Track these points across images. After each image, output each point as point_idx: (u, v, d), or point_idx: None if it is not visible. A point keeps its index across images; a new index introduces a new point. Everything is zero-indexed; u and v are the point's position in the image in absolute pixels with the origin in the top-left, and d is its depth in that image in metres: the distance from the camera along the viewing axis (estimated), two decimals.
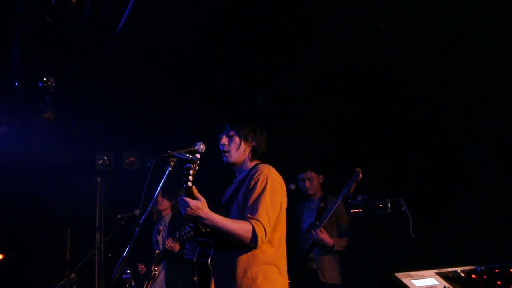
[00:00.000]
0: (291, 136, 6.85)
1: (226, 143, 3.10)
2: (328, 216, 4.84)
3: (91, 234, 7.42)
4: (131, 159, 7.65)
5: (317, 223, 4.92)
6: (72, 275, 5.42)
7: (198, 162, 2.72)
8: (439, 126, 5.67)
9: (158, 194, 5.68)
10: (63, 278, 5.52)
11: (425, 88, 5.43)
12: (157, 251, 5.68)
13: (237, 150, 3.07)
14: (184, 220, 5.34)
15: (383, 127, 6.14)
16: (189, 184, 2.70)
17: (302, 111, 6.63)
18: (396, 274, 2.37)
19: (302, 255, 5.00)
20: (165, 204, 5.83)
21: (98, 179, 7.66)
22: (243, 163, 3.11)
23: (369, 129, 6.27)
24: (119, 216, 5.76)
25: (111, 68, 5.82)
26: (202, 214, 2.74)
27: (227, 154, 3.09)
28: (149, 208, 2.84)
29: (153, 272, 5.57)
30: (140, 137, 7.56)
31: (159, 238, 5.80)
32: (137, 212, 5.76)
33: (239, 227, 2.77)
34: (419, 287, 2.46)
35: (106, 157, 7.53)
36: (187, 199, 2.73)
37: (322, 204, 5.10)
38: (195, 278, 5.98)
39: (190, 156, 2.70)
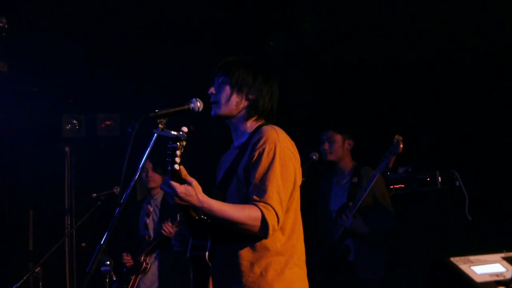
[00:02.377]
0: (313, 92, 6.81)
1: (214, 91, 3.06)
2: (364, 197, 4.83)
3: (59, 218, 7.50)
4: (108, 122, 7.66)
5: (350, 204, 4.92)
6: (37, 269, 5.51)
7: (185, 137, 2.67)
8: (504, 79, 5.61)
9: (145, 167, 5.74)
10: (25, 273, 5.61)
11: (489, 31, 5.36)
12: (146, 237, 5.75)
13: (227, 102, 3.01)
14: None
15: (431, 79, 6.08)
16: (176, 167, 2.63)
17: (329, 59, 6.57)
18: (452, 259, 2.38)
19: (333, 244, 5.03)
20: (157, 180, 5.88)
21: (66, 149, 7.70)
22: (239, 121, 3.06)
23: (414, 81, 6.21)
24: (94, 195, 5.82)
25: (80, 4, 5.77)
26: (195, 202, 2.68)
27: (214, 104, 3.05)
28: (132, 183, 2.84)
29: (144, 264, 5.65)
30: (119, 94, 7.55)
31: (149, 221, 5.86)
32: (116, 189, 5.83)
33: (245, 214, 2.73)
34: (481, 275, 2.46)
35: (76, 120, 7.54)
36: (174, 184, 2.65)
37: (355, 179, 5.10)
38: None
39: (175, 133, 2.64)
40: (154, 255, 5.72)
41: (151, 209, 5.90)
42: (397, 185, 5.62)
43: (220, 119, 3.08)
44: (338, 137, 5.22)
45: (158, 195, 5.92)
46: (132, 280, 5.64)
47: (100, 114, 7.64)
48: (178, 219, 5.28)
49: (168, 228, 5.41)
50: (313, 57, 6.61)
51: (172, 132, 2.64)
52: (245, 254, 2.84)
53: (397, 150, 4.70)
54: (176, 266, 5.64)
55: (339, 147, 5.21)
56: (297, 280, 2.89)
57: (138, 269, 5.66)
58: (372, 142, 5.94)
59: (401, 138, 4.71)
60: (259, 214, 2.72)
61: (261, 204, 2.74)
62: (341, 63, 6.51)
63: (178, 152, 2.63)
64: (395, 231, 5.03)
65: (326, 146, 5.21)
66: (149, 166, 5.83)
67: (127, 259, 5.73)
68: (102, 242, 2.55)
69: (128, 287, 5.64)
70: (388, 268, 5.03)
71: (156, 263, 5.72)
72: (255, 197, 2.77)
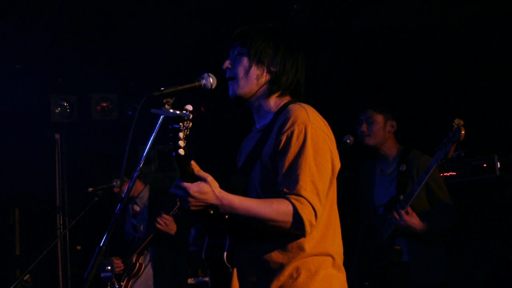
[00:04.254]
0: (347, 64, 6.78)
1: (230, 66, 3.06)
2: (418, 191, 4.80)
3: (49, 217, 7.56)
4: (104, 104, 7.70)
5: (401, 198, 4.89)
6: (26, 277, 5.58)
7: (191, 117, 2.67)
8: None
9: (123, 179, 5.77)
10: (12, 281, 5.68)
11: None
12: (136, 238, 5.83)
13: (247, 76, 3.01)
14: (170, 195, 5.48)
15: (486, 48, 6.04)
16: (181, 152, 2.64)
17: (365, 25, 6.53)
18: None
19: (382, 245, 5.02)
20: (138, 186, 6.07)
21: (56, 136, 7.74)
22: (260, 99, 3.06)
23: (467, 51, 6.17)
24: (90, 189, 5.85)
25: None
26: (212, 199, 2.69)
27: (231, 81, 3.05)
28: (136, 175, 2.86)
29: (137, 265, 5.72)
30: (116, 71, 7.57)
31: (137, 222, 5.94)
32: (116, 182, 5.87)
33: (273, 209, 2.72)
34: None
35: (66, 102, 7.59)
36: (185, 184, 2.68)
37: (403, 167, 5.05)
38: (190, 280, 6.17)
39: (178, 111, 2.63)
40: (147, 256, 5.81)
41: (138, 209, 5.99)
42: (448, 172, 5.61)
43: (240, 100, 3.08)
44: (379, 118, 5.16)
45: (144, 192, 6.08)
46: (123, 285, 5.71)
47: (95, 95, 7.67)
48: (178, 203, 5.32)
49: (164, 220, 5.46)
50: (345, 23, 6.57)
51: (172, 111, 2.64)
52: (273, 254, 2.84)
53: (458, 137, 4.58)
54: (172, 267, 5.78)
55: (379, 129, 5.16)
56: (334, 283, 2.88)
57: (131, 272, 5.73)
58: (419, 122, 5.92)
59: (462, 122, 4.57)
60: (290, 208, 2.70)
61: (292, 197, 2.72)
62: (381, 30, 6.46)
63: (181, 135, 2.62)
64: (456, 226, 4.98)
65: (364, 127, 5.16)
66: (124, 177, 5.90)
67: (117, 262, 5.80)
68: (101, 244, 2.56)
69: None
70: (448, 270, 5.01)
71: (150, 265, 5.80)
72: (285, 189, 2.76)
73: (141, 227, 5.92)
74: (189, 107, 2.65)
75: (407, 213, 4.80)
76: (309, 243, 2.83)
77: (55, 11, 6.45)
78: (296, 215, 2.70)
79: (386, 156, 5.22)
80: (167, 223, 5.47)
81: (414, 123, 5.62)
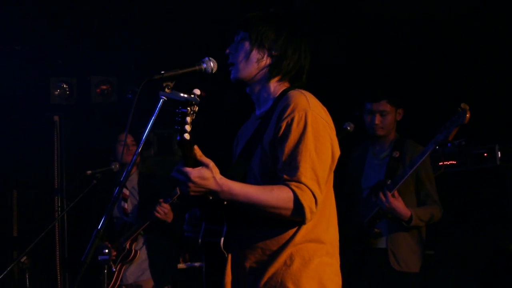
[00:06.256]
0: (349, 50, 6.77)
1: (232, 51, 3.08)
2: (409, 174, 4.80)
3: (47, 200, 7.57)
4: (104, 87, 7.68)
5: (389, 182, 4.89)
6: (23, 259, 5.60)
7: (198, 101, 2.65)
8: None
9: (125, 142, 5.80)
10: (9, 263, 5.70)
11: None
12: (128, 222, 5.85)
13: (247, 61, 3.02)
14: (160, 179, 5.67)
15: (487, 35, 6.02)
16: (186, 136, 2.63)
17: (369, 11, 6.50)
18: None
19: (362, 228, 5.03)
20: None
21: (55, 118, 7.72)
22: (260, 83, 3.07)
23: (468, 39, 6.16)
24: (89, 172, 5.86)
25: None
26: (213, 186, 2.70)
27: (232, 67, 3.07)
28: (134, 158, 2.88)
29: (133, 252, 5.74)
30: (117, 54, 7.56)
31: (127, 206, 5.94)
32: (115, 166, 5.88)
33: (273, 196, 2.73)
34: None
35: (66, 84, 7.57)
36: (187, 169, 2.68)
37: (396, 153, 5.06)
38: (181, 265, 6.17)
39: (185, 95, 2.65)
40: (140, 241, 5.83)
41: (128, 192, 5.98)
42: (448, 161, 5.60)
43: (241, 84, 3.09)
44: (392, 108, 5.09)
45: (134, 175, 6.07)
46: (117, 272, 5.72)
47: (95, 77, 7.65)
48: (178, 193, 5.32)
49: (163, 210, 5.48)
50: (348, 8, 6.56)
51: (182, 95, 2.65)
52: (268, 240, 2.86)
53: (462, 120, 4.54)
54: (166, 251, 5.88)
55: (392, 120, 5.13)
56: (328, 271, 2.90)
57: (125, 258, 5.74)
58: (418, 111, 5.92)
59: (468, 107, 4.59)
60: (291, 195, 2.71)
61: (293, 184, 2.73)
62: (383, 16, 6.44)
63: (188, 119, 2.63)
64: (438, 218, 4.99)
65: (379, 120, 5.09)
66: (129, 140, 5.91)
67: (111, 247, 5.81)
68: (99, 227, 2.58)
69: (112, 282, 5.70)
70: (423, 260, 5.02)
71: (144, 249, 5.84)
72: (285, 176, 2.77)
73: (131, 211, 5.93)
74: (197, 91, 2.65)
75: (393, 196, 4.81)
76: (302, 229, 2.84)
77: None
78: (297, 201, 2.71)
79: (384, 141, 5.21)
80: (165, 212, 5.49)
81: (413, 112, 5.61)
